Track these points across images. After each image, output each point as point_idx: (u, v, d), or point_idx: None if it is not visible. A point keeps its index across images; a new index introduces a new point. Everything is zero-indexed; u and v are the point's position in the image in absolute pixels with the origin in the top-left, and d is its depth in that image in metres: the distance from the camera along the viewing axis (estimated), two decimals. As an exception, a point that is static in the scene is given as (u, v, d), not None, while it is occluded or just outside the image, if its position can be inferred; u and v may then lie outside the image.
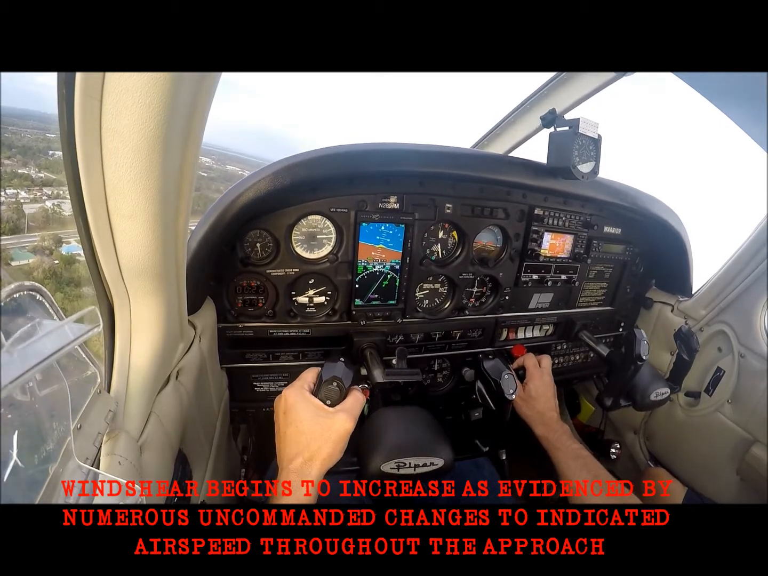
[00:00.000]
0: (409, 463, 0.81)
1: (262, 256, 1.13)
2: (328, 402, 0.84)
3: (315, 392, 0.86)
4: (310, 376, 0.90)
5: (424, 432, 0.89)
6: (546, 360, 1.44)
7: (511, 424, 1.30)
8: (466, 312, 1.41)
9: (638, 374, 1.27)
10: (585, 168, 1.18)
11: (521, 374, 1.41)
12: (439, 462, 0.83)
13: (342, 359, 0.92)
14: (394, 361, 1.14)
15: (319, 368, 0.91)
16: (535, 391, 1.34)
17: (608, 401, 1.31)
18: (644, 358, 1.21)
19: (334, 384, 0.84)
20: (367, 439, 0.85)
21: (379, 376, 1.06)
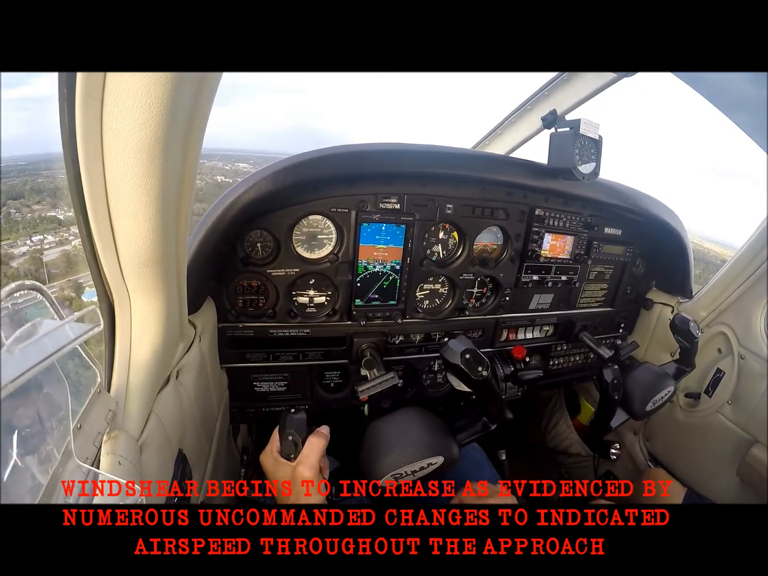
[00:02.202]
0: (406, 472, 0.80)
1: (262, 256, 1.13)
2: (292, 456, 0.88)
3: (280, 449, 0.90)
4: (276, 436, 0.94)
5: (419, 433, 0.85)
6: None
7: (511, 427, 1.30)
8: (467, 312, 1.41)
9: (635, 384, 1.27)
10: (586, 169, 1.18)
11: None
12: (437, 460, 0.81)
13: (293, 410, 0.92)
14: (370, 374, 1.15)
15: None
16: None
17: (600, 434, 1.31)
18: (616, 398, 1.23)
19: (289, 438, 0.88)
20: (363, 457, 0.86)
21: (361, 393, 1.09)
